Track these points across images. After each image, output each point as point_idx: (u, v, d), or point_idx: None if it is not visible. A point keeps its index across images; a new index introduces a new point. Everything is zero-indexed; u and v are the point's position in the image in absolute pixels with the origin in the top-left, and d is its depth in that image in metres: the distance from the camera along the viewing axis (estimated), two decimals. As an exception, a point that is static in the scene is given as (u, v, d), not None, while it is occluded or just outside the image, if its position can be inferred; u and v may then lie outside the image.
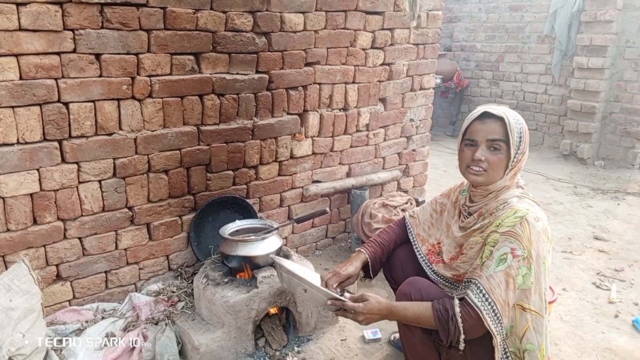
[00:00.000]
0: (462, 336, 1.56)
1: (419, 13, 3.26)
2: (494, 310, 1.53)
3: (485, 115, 1.68)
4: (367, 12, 3.03)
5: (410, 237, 2.07)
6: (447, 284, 1.84)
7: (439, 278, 1.88)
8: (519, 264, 1.54)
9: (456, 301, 1.59)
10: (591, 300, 2.89)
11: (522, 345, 1.56)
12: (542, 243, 1.56)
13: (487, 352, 1.60)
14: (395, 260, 2.06)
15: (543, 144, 6.54)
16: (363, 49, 3.09)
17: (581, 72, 5.74)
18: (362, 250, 2.02)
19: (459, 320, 1.56)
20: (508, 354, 1.59)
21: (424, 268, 1.94)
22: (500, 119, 1.64)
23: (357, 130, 3.23)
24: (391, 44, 3.24)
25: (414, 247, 2.03)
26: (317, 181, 3.11)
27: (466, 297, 1.58)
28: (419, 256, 1.99)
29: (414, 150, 3.67)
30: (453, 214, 1.92)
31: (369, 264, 2.00)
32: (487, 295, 1.54)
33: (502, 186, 1.69)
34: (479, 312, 1.54)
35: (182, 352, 2.17)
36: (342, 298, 1.69)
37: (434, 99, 3.74)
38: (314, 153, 3.03)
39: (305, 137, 2.95)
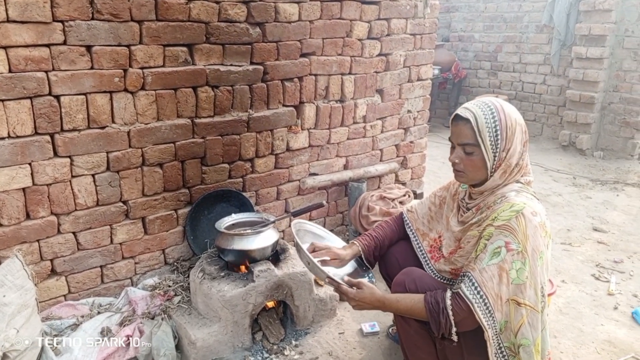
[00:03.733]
0: (454, 329, 1.56)
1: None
2: (485, 304, 1.52)
3: (456, 117, 1.65)
4: (363, 2, 2.99)
5: (410, 233, 2.05)
6: (446, 282, 1.82)
7: (438, 276, 1.86)
8: (512, 258, 1.51)
9: (448, 294, 1.58)
10: (590, 292, 2.88)
11: (516, 340, 1.54)
12: (539, 238, 1.53)
13: (481, 344, 1.58)
14: (391, 257, 2.05)
15: (542, 134, 6.52)
16: (359, 40, 3.05)
17: (580, 62, 5.70)
18: (355, 242, 2.05)
19: (450, 312, 1.55)
20: (502, 349, 1.57)
21: (424, 266, 1.92)
22: (468, 121, 1.60)
23: (354, 122, 3.20)
24: (388, 34, 3.20)
25: (415, 242, 2.01)
26: (314, 174, 3.09)
27: (459, 289, 1.57)
28: (419, 253, 1.97)
29: (411, 142, 3.64)
30: (452, 207, 1.90)
31: (362, 256, 2.02)
32: (479, 288, 1.52)
33: (496, 185, 1.65)
34: (470, 304, 1.52)
35: (178, 347, 2.16)
36: (337, 280, 1.76)
37: (432, 90, 3.70)
38: (310, 145, 3.00)
39: (302, 129, 2.92)
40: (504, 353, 1.58)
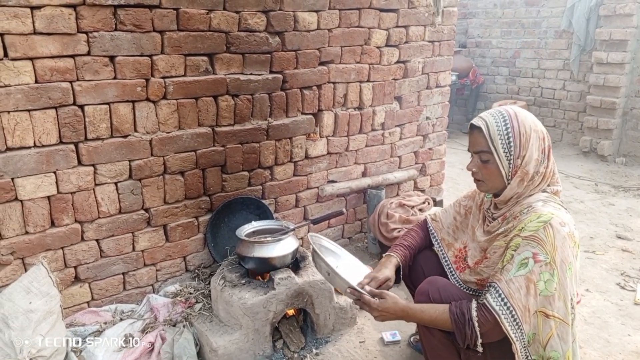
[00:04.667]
0: (479, 340, 1.53)
1: (442, 8, 3.21)
2: (512, 315, 1.49)
3: (471, 126, 1.67)
4: (381, 10, 2.99)
5: (435, 243, 2.02)
6: (471, 292, 1.79)
7: (463, 287, 1.83)
8: (540, 270, 1.49)
9: (473, 304, 1.56)
10: (616, 301, 2.81)
11: (545, 353, 1.51)
12: (568, 248, 1.50)
13: (507, 354, 1.56)
14: (415, 265, 2.02)
15: (562, 140, 6.43)
16: (377, 47, 3.05)
17: (600, 67, 5.62)
18: (392, 254, 1.97)
19: (476, 324, 1.53)
20: None
21: (449, 277, 1.89)
22: (481, 129, 1.61)
23: (373, 129, 3.19)
24: (406, 42, 3.20)
25: (440, 252, 1.98)
26: (333, 181, 3.08)
27: (485, 300, 1.54)
28: (444, 263, 1.95)
29: (430, 148, 3.62)
30: (478, 217, 1.87)
31: (400, 267, 1.96)
32: (505, 300, 1.50)
33: (515, 193, 1.63)
34: (496, 316, 1.50)
35: (200, 354, 2.16)
36: (360, 290, 1.71)
37: (450, 96, 3.68)
38: (329, 153, 3.00)
39: (320, 136, 2.93)
40: None
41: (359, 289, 1.72)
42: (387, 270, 1.88)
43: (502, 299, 1.51)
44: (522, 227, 1.55)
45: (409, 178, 3.47)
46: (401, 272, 1.97)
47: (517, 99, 6.75)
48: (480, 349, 1.55)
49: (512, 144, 1.58)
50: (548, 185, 1.65)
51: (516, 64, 6.82)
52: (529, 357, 1.53)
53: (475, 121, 1.65)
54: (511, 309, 1.49)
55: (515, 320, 1.49)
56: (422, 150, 3.57)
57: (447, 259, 1.94)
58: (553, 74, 6.43)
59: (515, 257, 1.53)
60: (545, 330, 1.50)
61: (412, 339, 2.36)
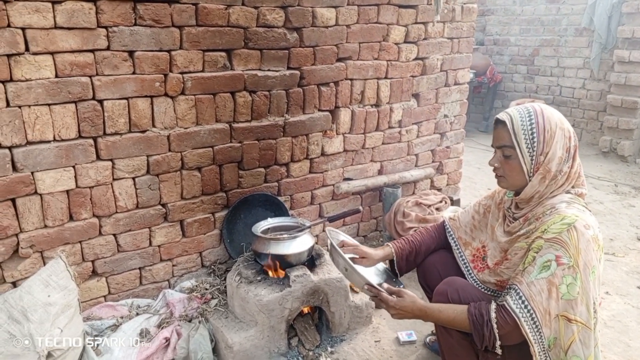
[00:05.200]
0: (498, 342, 1.51)
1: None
2: (533, 319, 1.46)
3: (496, 121, 1.66)
4: (400, 6, 2.96)
5: (452, 241, 2.00)
6: (490, 293, 1.76)
7: (482, 287, 1.80)
8: (563, 273, 1.45)
9: (492, 306, 1.53)
10: (636, 305, 2.75)
11: (567, 358, 1.47)
12: (592, 252, 1.46)
13: (526, 357, 1.52)
14: (431, 266, 2.00)
15: (581, 140, 6.32)
16: (396, 44, 3.02)
17: (622, 65, 5.51)
18: (388, 244, 2.03)
19: (494, 326, 1.50)
20: None
21: (467, 276, 1.86)
22: (505, 123, 1.60)
23: (390, 127, 3.16)
24: (425, 38, 3.16)
25: (457, 251, 1.96)
26: (349, 179, 3.06)
27: (504, 302, 1.51)
28: (461, 262, 1.92)
29: (448, 147, 3.58)
30: (497, 216, 1.84)
31: (394, 259, 1.99)
32: (526, 302, 1.47)
33: (536, 192, 1.60)
34: (516, 318, 1.47)
35: (215, 350, 2.16)
36: (378, 287, 1.71)
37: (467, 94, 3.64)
38: (345, 150, 2.98)
39: (337, 134, 2.91)
40: None
41: (377, 287, 1.71)
42: (373, 251, 1.99)
43: (523, 302, 1.48)
44: (545, 229, 1.52)
45: (426, 176, 3.43)
46: (395, 264, 2.00)
47: (535, 97, 6.65)
48: (498, 351, 1.53)
49: (535, 139, 1.55)
50: (572, 187, 1.61)
51: (535, 62, 6.72)
52: None
53: (501, 115, 1.63)
54: (532, 312, 1.46)
55: (535, 323, 1.46)
56: (439, 149, 3.53)
57: (464, 258, 1.92)
58: (573, 72, 6.33)
59: (537, 259, 1.50)
60: (567, 335, 1.47)
61: (428, 339, 2.34)
